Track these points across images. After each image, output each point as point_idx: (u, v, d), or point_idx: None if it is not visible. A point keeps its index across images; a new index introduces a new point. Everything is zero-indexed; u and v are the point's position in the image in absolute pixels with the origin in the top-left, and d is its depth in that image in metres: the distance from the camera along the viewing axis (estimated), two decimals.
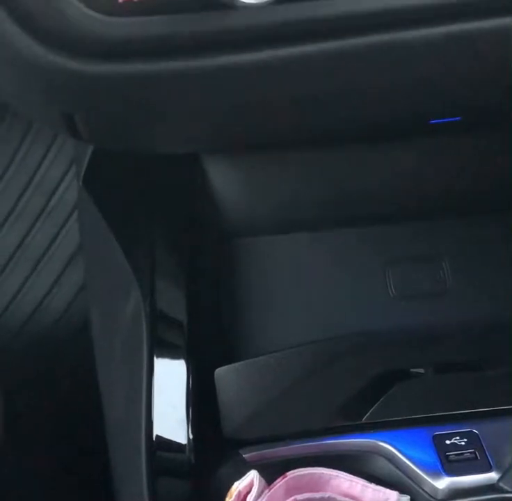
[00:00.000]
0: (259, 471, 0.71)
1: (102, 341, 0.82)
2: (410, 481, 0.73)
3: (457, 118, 0.72)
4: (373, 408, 0.78)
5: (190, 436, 0.73)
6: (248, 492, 0.71)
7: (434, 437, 0.75)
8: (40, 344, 1.12)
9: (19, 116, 1.14)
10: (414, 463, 0.74)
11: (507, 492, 0.70)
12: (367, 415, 0.78)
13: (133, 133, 0.61)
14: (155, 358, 0.75)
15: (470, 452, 0.74)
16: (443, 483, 0.72)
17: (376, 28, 0.50)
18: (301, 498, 0.72)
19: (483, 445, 0.74)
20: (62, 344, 1.11)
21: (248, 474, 0.71)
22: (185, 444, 0.73)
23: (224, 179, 0.82)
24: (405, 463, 0.74)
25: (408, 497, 0.73)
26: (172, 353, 0.76)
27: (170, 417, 0.74)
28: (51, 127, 0.67)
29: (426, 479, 0.73)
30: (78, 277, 1.10)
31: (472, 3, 0.51)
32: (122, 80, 0.51)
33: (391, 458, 0.75)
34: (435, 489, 0.72)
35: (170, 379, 0.75)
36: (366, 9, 0.49)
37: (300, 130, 0.67)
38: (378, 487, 0.74)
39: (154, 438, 0.72)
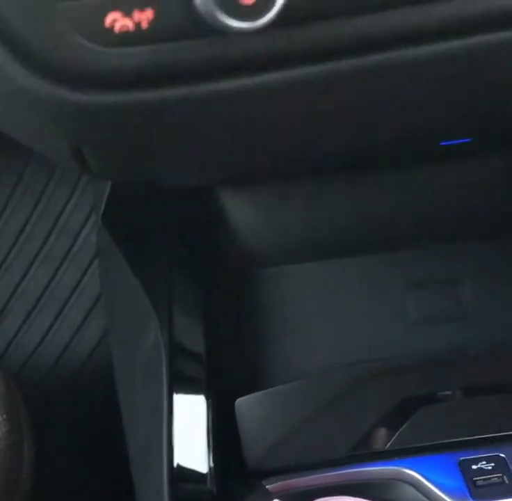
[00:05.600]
0: None
1: (123, 375, 0.83)
2: None
3: (467, 140, 0.72)
4: (397, 434, 0.77)
5: (212, 467, 0.73)
6: None
7: (460, 462, 0.74)
8: (67, 386, 1.12)
9: (43, 161, 1.17)
10: (440, 489, 0.73)
11: None
12: (391, 441, 0.77)
13: (140, 164, 0.62)
14: (175, 391, 0.75)
15: (497, 476, 0.73)
16: None
17: (376, 48, 0.51)
18: None
19: (510, 469, 0.73)
20: (89, 386, 1.12)
21: None
22: (206, 475, 0.72)
23: (241, 210, 0.82)
24: (432, 489, 0.73)
25: None
26: (191, 385, 0.77)
27: (191, 448, 0.73)
28: (63, 162, 0.68)
29: None
30: (104, 318, 1.11)
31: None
32: (123, 109, 0.52)
33: (417, 485, 0.73)
34: None
35: (190, 411, 0.75)
36: (361, 31, 0.49)
37: (307, 156, 0.68)
38: None
39: (175, 469, 0.72)
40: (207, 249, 0.84)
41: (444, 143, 0.73)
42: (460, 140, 0.72)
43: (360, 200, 0.83)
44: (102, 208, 0.85)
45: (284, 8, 0.47)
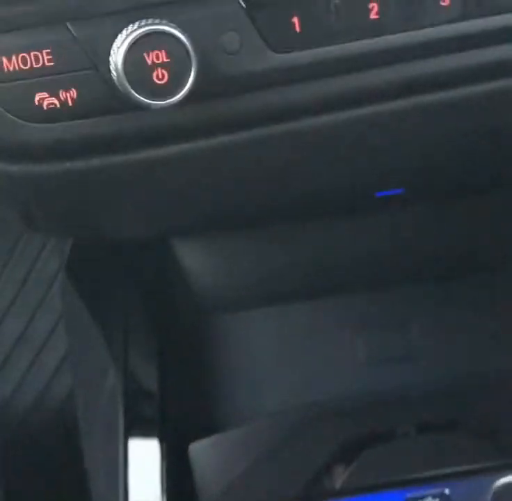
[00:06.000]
0: None
1: (85, 422, 0.85)
2: None
3: (399, 191, 0.75)
4: (347, 473, 0.79)
5: None
6: None
7: (407, 500, 0.77)
8: (43, 432, 1.14)
9: None
10: None
11: None
12: (342, 481, 0.79)
13: (78, 224, 0.66)
14: (130, 437, 0.78)
15: None
16: None
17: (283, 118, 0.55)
18: None
19: None
20: (64, 435, 1.14)
21: None
22: None
23: (193, 259, 0.86)
24: None
25: None
26: (146, 430, 0.79)
27: (146, 494, 0.76)
28: (17, 222, 0.72)
29: None
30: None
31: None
32: (56, 178, 0.56)
33: None
34: None
35: (144, 457, 0.78)
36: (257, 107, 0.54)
37: (248, 210, 0.71)
38: None
39: None
40: (162, 296, 0.88)
41: (380, 194, 0.76)
42: (393, 192, 0.75)
43: (309, 247, 0.86)
44: (66, 259, 0.89)
45: (194, 87, 0.51)
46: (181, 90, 0.51)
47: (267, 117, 0.54)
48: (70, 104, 0.53)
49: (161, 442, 0.78)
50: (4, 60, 0.52)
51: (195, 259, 0.86)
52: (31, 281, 1.21)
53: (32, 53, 0.52)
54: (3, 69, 0.52)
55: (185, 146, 0.55)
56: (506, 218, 0.85)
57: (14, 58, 0.52)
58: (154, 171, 0.57)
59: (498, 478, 0.77)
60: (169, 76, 0.51)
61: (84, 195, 0.60)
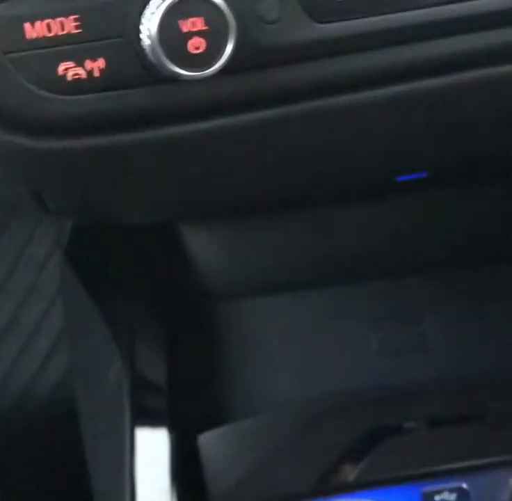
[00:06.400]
0: None
1: (86, 410, 0.82)
2: None
3: (422, 175, 0.73)
4: (361, 466, 0.77)
5: None
6: None
7: (423, 493, 0.75)
8: (34, 419, 1.11)
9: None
10: None
11: None
12: (355, 473, 0.77)
13: (99, 205, 0.62)
14: (137, 428, 0.75)
15: None
16: None
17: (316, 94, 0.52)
18: None
19: (472, 500, 0.74)
20: (56, 422, 1.11)
21: None
22: None
23: (203, 245, 0.83)
24: None
25: None
26: (153, 421, 0.77)
27: (154, 487, 0.73)
28: (23, 204, 0.69)
29: None
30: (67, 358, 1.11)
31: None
32: (78, 154, 0.52)
33: None
34: None
35: (152, 448, 0.75)
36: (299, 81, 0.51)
37: (266, 195, 0.69)
38: None
39: None
40: (169, 283, 0.85)
41: (401, 179, 0.74)
42: (416, 176, 0.73)
43: (322, 234, 0.83)
44: (66, 243, 0.85)
45: (232, 58, 0.48)
46: (218, 60, 0.48)
47: (306, 92, 0.51)
48: (97, 74, 0.49)
49: (170, 432, 0.76)
50: (27, 26, 0.48)
51: (204, 244, 0.83)
52: (22, 265, 1.17)
53: (57, 20, 0.48)
54: (25, 36, 0.48)
55: (219, 121, 0.52)
56: None
57: (38, 24, 0.48)
58: (183, 148, 0.54)
59: None
60: (206, 45, 0.47)
61: (104, 174, 0.56)
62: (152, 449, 0.75)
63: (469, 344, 0.84)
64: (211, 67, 0.48)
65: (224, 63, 0.48)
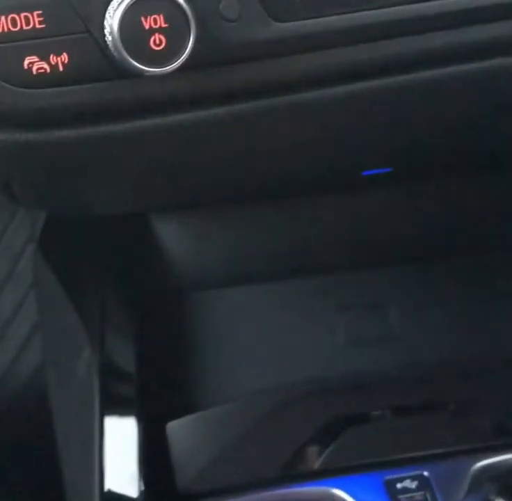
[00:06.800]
0: None
1: (58, 399, 0.83)
2: None
3: (387, 170, 0.74)
4: (325, 454, 0.78)
5: (142, 490, 0.74)
6: None
7: (385, 481, 0.76)
8: (7, 410, 1.12)
9: None
10: None
11: None
12: (319, 461, 0.78)
13: (65, 196, 0.63)
14: (106, 415, 0.76)
15: (421, 494, 0.75)
16: None
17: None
18: None
19: (433, 487, 0.75)
20: (31, 410, 1.12)
21: None
22: (137, 499, 0.74)
23: (173, 235, 0.84)
24: None
25: None
26: (122, 408, 0.78)
27: (122, 472, 0.75)
28: None
29: None
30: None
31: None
32: (43, 147, 0.53)
33: None
34: None
35: (121, 434, 0.76)
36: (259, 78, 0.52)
37: (232, 187, 0.70)
38: None
39: (106, 494, 0.73)
40: (140, 273, 0.86)
41: (366, 173, 0.75)
42: (382, 170, 0.74)
43: (291, 225, 0.85)
44: (38, 234, 0.86)
45: (192, 55, 0.49)
46: (179, 57, 0.49)
47: (264, 89, 0.53)
48: (61, 69, 0.50)
49: (138, 420, 0.77)
50: None
51: (174, 235, 0.84)
52: None
53: (22, 15, 0.49)
54: None
55: (179, 117, 0.53)
56: (488, 201, 0.85)
57: (2, 19, 0.49)
58: (145, 142, 0.55)
59: (477, 460, 0.76)
60: (166, 42, 0.49)
61: (70, 166, 0.57)
62: (121, 436, 0.76)
63: (434, 334, 0.85)
64: (171, 64, 0.49)
65: (184, 60, 0.49)
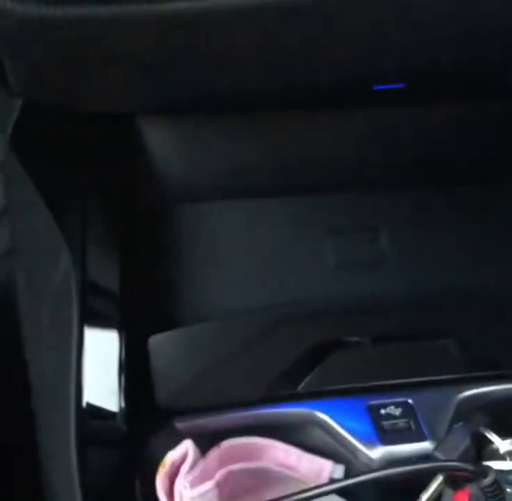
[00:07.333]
0: (193, 441, 0.70)
1: (29, 308, 0.79)
2: (344, 451, 0.73)
3: (400, 85, 0.71)
4: (309, 377, 0.77)
5: (122, 405, 0.71)
6: (182, 463, 0.69)
7: (369, 406, 0.75)
8: None
9: None
10: (349, 432, 0.73)
11: (442, 461, 0.70)
12: (303, 384, 0.77)
13: (66, 83, 0.59)
14: (86, 326, 0.72)
15: (404, 422, 0.74)
16: (378, 452, 0.72)
17: None
18: (235, 468, 0.71)
19: (417, 415, 0.74)
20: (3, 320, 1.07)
21: (182, 443, 0.70)
22: (116, 413, 0.71)
23: (162, 141, 0.79)
24: (340, 432, 0.73)
25: (343, 466, 0.73)
26: (103, 321, 0.74)
27: (101, 385, 0.71)
28: None
29: (360, 449, 0.72)
30: (4, 240, 1.06)
31: None
32: (66, 23, 0.49)
33: (326, 428, 0.74)
34: (370, 458, 0.72)
35: (101, 347, 0.73)
36: None
37: (235, 93, 0.66)
38: (313, 456, 0.73)
39: (83, 406, 0.70)
40: (124, 181, 0.81)
41: (377, 88, 0.72)
42: (394, 85, 0.71)
43: (282, 143, 0.81)
44: (10, 129, 0.80)
45: None
46: None
47: None
48: None
49: (120, 332, 0.73)
50: None
51: (163, 141, 0.79)
52: None
53: None
54: None
55: (196, 3, 0.48)
56: (496, 130, 0.82)
57: None
58: (153, 28, 0.51)
59: (462, 390, 0.76)
60: None
61: (74, 50, 0.53)
62: (101, 348, 0.73)
63: (427, 261, 0.84)
64: None
65: None
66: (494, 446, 0.72)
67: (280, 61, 0.59)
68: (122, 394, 0.71)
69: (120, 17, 0.48)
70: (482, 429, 0.72)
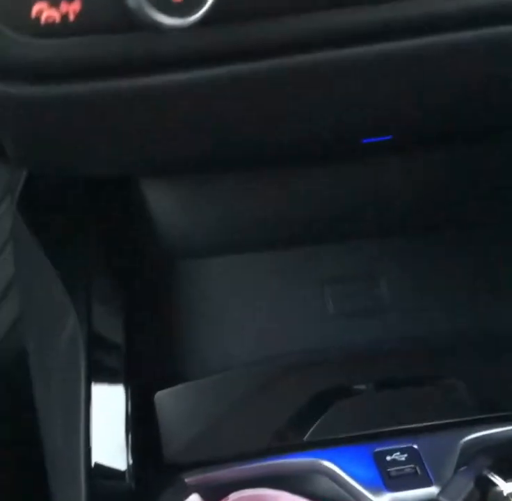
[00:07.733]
0: (201, 495, 0.71)
1: (39, 368, 0.81)
2: (352, 499, 0.73)
3: (388, 137, 0.73)
4: (314, 426, 0.78)
5: (130, 462, 0.72)
6: None
7: (375, 453, 0.76)
8: None
9: None
10: (355, 480, 0.74)
11: None
12: (308, 433, 0.77)
13: (63, 156, 0.61)
14: (93, 384, 0.74)
15: (411, 467, 0.75)
16: (385, 499, 0.72)
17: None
18: None
19: (423, 460, 0.75)
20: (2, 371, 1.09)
21: (190, 498, 0.70)
22: (125, 471, 0.72)
23: (162, 201, 0.82)
24: (347, 480, 0.74)
25: None
26: (110, 377, 0.76)
27: (109, 443, 0.73)
28: None
29: (367, 496, 0.73)
30: (16, 306, 1.08)
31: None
32: (48, 101, 0.51)
33: (333, 476, 0.74)
34: None
35: (108, 405, 0.74)
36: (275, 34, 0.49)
37: (231, 152, 0.68)
38: None
39: (92, 466, 0.71)
40: (127, 239, 0.84)
41: (365, 141, 0.74)
42: (382, 138, 0.73)
43: (279, 195, 0.83)
44: (18, 195, 0.83)
45: (214, 6, 0.47)
46: (201, 8, 0.46)
47: (287, 45, 0.50)
48: (72, 18, 0.48)
49: (126, 389, 0.75)
50: None
51: (164, 201, 0.82)
52: None
53: None
54: None
55: (196, 73, 0.50)
56: (486, 173, 0.84)
57: None
58: (156, 99, 0.52)
59: (466, 433, 0.76)
60: None
61: (73, 123, 0.55)
62: (108, 406, 0.74)
63: (424, 307, 0.85)
64: (193, 15, 0.46)
65: (206, 11, 0.46)
66: (498, 488, 0.72)
67: (275, 124, 0.61)
68: (129, 451, 0.73)
69: (103, 94, 0.50)
70: (485, 472, 0.73)
